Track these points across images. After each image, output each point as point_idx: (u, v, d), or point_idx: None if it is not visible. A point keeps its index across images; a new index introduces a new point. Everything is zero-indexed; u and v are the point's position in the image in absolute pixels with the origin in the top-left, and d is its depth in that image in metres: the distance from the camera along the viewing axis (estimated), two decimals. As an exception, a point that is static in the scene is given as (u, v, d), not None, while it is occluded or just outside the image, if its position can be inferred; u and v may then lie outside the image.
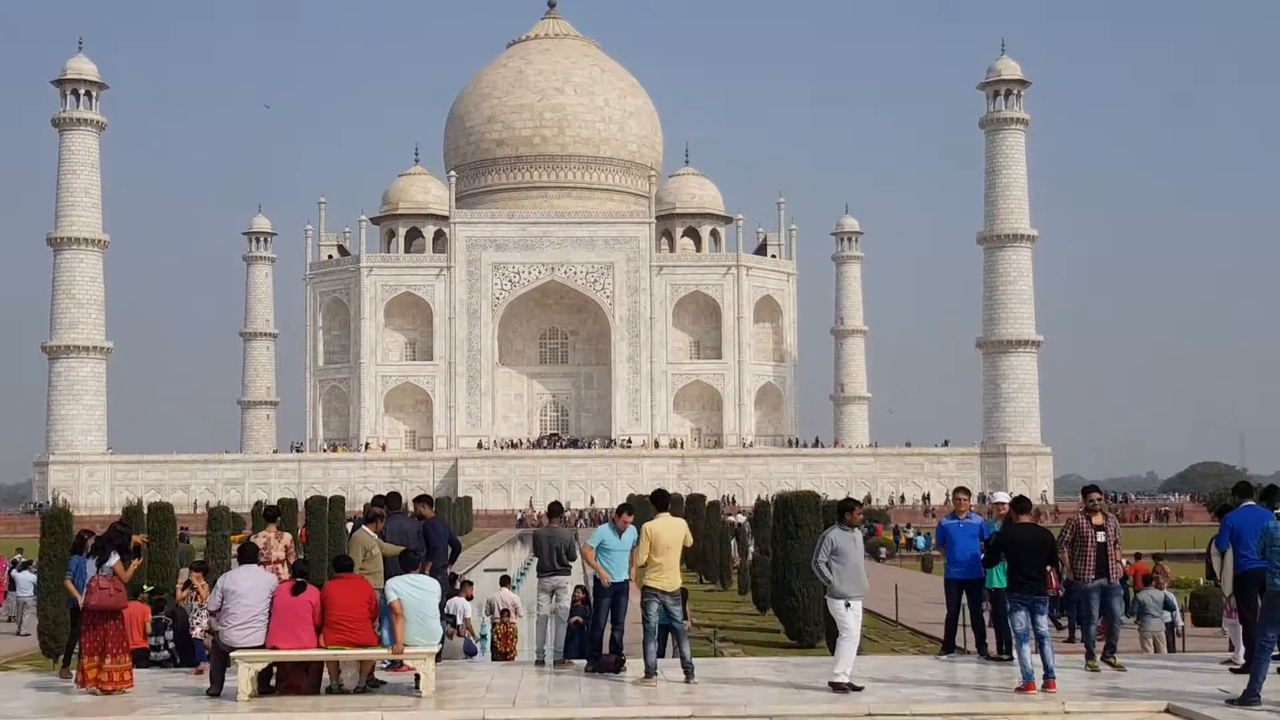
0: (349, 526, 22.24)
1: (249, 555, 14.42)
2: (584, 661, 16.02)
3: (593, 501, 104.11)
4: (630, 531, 15.36)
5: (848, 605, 14.29)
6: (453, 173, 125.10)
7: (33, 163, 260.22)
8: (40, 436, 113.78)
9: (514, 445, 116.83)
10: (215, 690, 13.86)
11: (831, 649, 24.65)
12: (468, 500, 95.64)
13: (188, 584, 18.26)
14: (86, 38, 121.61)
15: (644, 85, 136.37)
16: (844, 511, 14.89)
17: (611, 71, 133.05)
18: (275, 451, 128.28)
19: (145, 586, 20.93)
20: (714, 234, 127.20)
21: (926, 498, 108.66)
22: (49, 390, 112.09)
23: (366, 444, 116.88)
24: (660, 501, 15.31)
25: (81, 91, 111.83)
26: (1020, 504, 15.27)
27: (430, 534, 15.95)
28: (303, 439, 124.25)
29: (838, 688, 13.91)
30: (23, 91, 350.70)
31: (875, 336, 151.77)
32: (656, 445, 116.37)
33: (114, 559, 14.32)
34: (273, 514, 16.70)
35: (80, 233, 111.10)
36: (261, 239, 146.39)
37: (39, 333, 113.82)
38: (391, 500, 16.21)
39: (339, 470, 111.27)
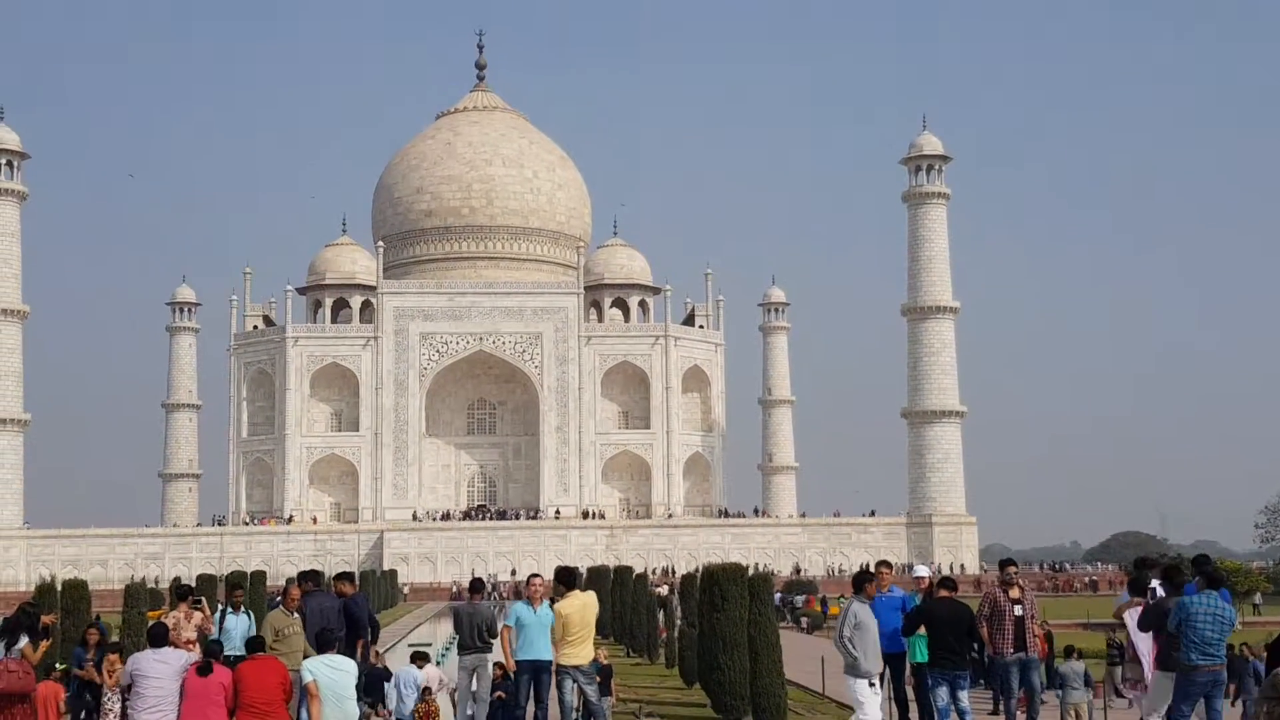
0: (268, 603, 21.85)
1: (159, 636, 14.13)
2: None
3: (514, 574, 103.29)
4: (545, 607, 15.28)
5: (872, 684, 13.76)
6: (380, 243, 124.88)
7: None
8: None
9: (445, 517, 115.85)
10: (125, 776, 13.54)
11: (757, 724, 24.58)
12: (393, 573, 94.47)
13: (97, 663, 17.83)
14: (8, 106, 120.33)
15: (572, 157, 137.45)
16: (864, 582, 14.39)
17: (539, 144, 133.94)
18: (198, 524, 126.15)
19: (58, 665, 20.43)
20: (642, 304, 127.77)
21: (840, 570, 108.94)
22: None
23: (290, 517, 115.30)
24: (567, 580, 15.26)
25: (2, 162, 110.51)
26: (946, 582, 15.39)
27: (353, 612, 15.75)
28: (225, 512, 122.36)
29: None
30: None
31: (802, 406, 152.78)
32: (586, 516, 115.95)
33: (23, 641, 13.99)
34: (184, 592, 16.42)
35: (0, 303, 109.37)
36: (185, 309, 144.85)
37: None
38: (312, 577, 15.98)
39: (262, 544, 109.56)
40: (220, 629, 14.83)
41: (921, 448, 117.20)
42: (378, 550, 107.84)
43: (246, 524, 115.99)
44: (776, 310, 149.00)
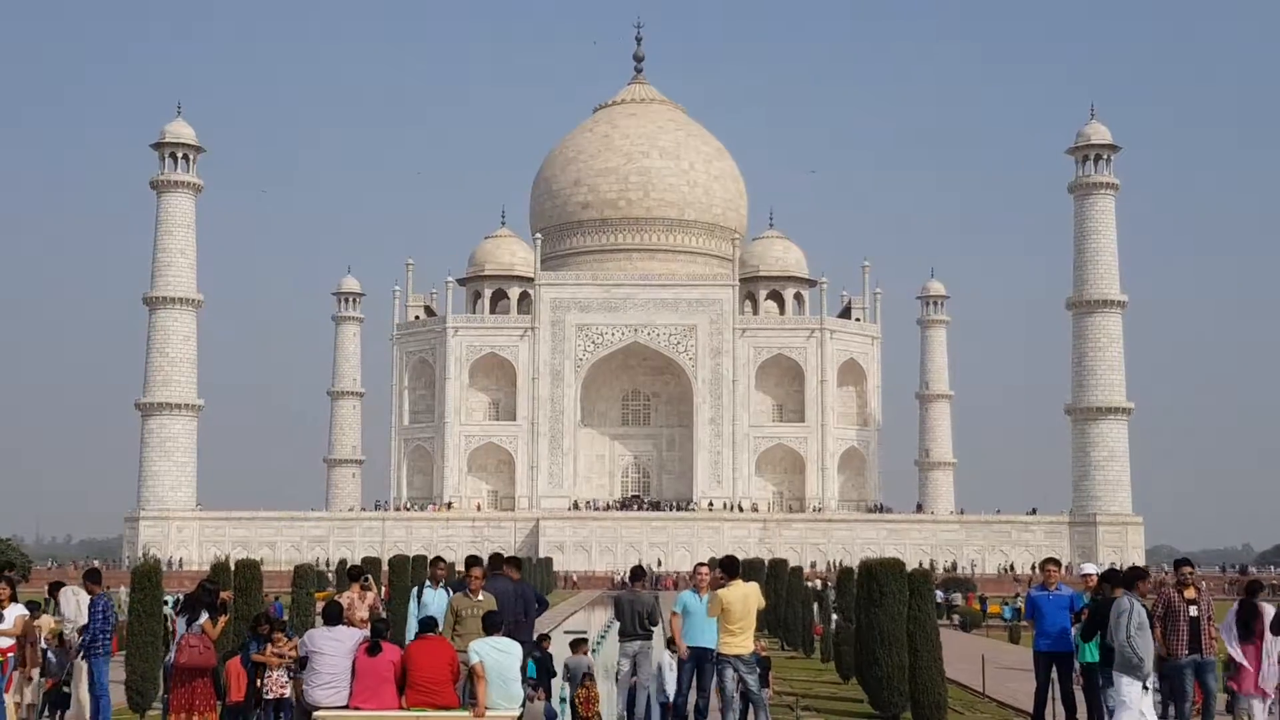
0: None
1: (333, 615, 14.50)
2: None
3: (659, 564, 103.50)
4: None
5: (1146, 689, 13.33)
6: (538, 235, 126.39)
7: (131, 224, 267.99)
8: (132, 492, 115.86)
9: (604, 507, 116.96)
10: (299, 749, 13.94)
11: (916, 720, 24.27)
12: (548, 561, 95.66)
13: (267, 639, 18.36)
14: (185, 102, 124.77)
15: (728, 148, 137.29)
16: (1136, 580, 13.88)
17: (697, 135, 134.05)
18: (361, 509, 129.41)
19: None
20: (798, 297, 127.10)
21: (1011, 567, 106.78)
22: (141, 446, 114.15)
23: (449, 503, 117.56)
24: (730, 568, 15.20)
25: (179, 155, 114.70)
26: (1112, 577, 14.97)
27: (528, 596, 16.01)
28: (387, 497, 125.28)
29: None
30: (123, 154, 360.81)
31: (961, 401, 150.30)
32: (740, 509, 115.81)
33: (203, 617, 14.49)
34: (356, 573, 16.74)
35: (175, 292, 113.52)
36: (350, 299, 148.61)
37: (133, 390, 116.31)
38: (493, 561, 16.17)
39: (422, 529, 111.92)
40: (419, 603, 14.95)
41: (1086, 445, 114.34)
42: (533, 538, 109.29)
43: (407, 509, 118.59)
44: (935, 303, 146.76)
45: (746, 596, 14.85)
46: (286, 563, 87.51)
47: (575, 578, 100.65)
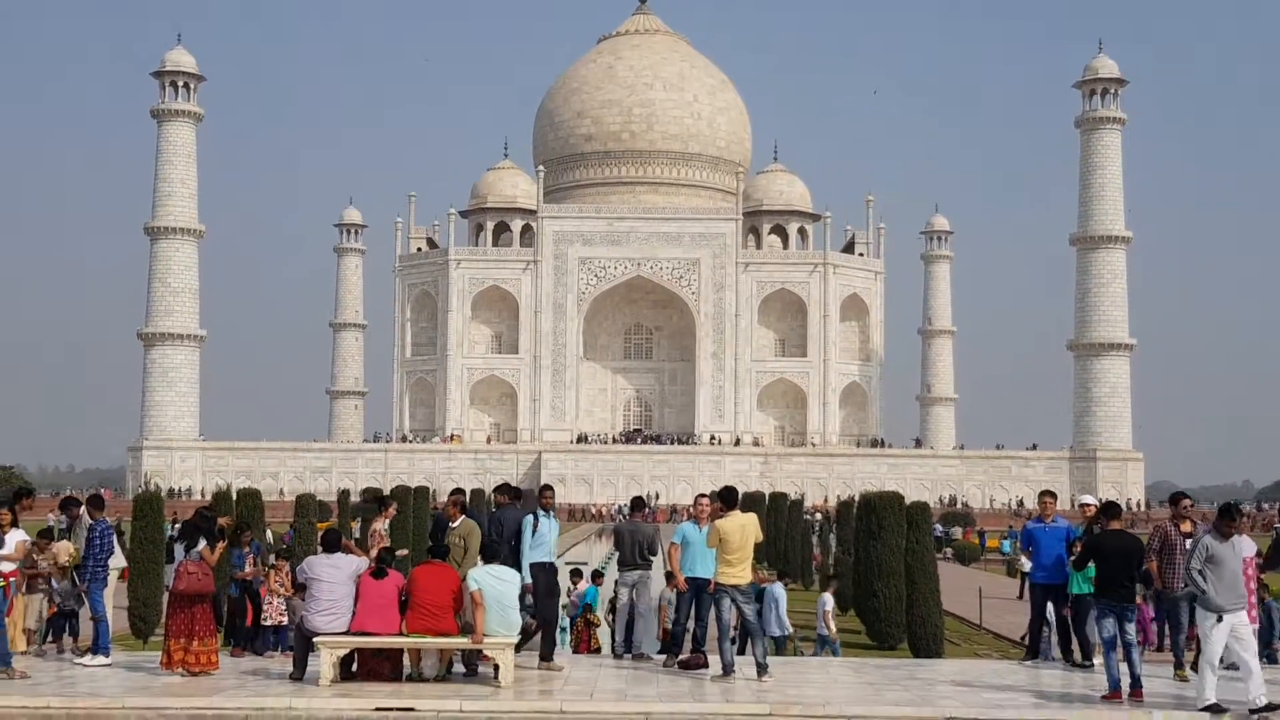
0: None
1: (332, 542, 14.57)
2: (663, 656, 16.03)
3: (656, 497, 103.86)
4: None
5: (1220, 619, 13.35)
6: (541, 167, 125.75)
7: (132, 153, 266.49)
8: (135, 422, 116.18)
9: (607, 441, 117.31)
10: (298, 674, 14.04)
11: (914, 651, 24.48)
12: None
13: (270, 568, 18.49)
14: (185, 30, 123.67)
15: (733, 81, 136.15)
16: (1222, 519, 13.88)
17: (701, 67, 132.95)
18: (364, 441, 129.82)
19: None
20: (801, 231, 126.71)
21: (1020, 503, 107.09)
22: (144, 377, 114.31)
23: (452, 435, 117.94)
24: (729, 499, 15.22)
25: (180, 83, 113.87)
26: (1110, 509, 14.98)
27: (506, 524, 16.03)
28: (389, 429, 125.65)
29: (1212, 709, 13.15)
30: (123, 83, 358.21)
31: (963, 337, 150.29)
32: (739, 442, 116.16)
33: (201, 544, 14.54)
34: (387, 501, 16.68)
35: (176, 222, 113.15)
36: (352, 231, 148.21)
37: (135, 320, 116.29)
38: (508, 490, 16.20)
39: (424, 461, 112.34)
40: (534, 532, 14.83)
41: (1088, 381, 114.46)
42: (535, 470, 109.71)
43: (408, 441, 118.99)
44: (939, 238, 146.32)
45: (744, 527, 14.89)
46: (290, 493, 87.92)
47: (572, 510, 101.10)
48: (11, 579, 15.58)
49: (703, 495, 16.21)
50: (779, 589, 22.55)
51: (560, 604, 21.40)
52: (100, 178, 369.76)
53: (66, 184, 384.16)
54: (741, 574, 14.85)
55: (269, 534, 35.96)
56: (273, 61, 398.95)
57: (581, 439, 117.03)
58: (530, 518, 15.13)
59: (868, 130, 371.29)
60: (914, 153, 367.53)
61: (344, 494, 49.53)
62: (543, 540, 15.10)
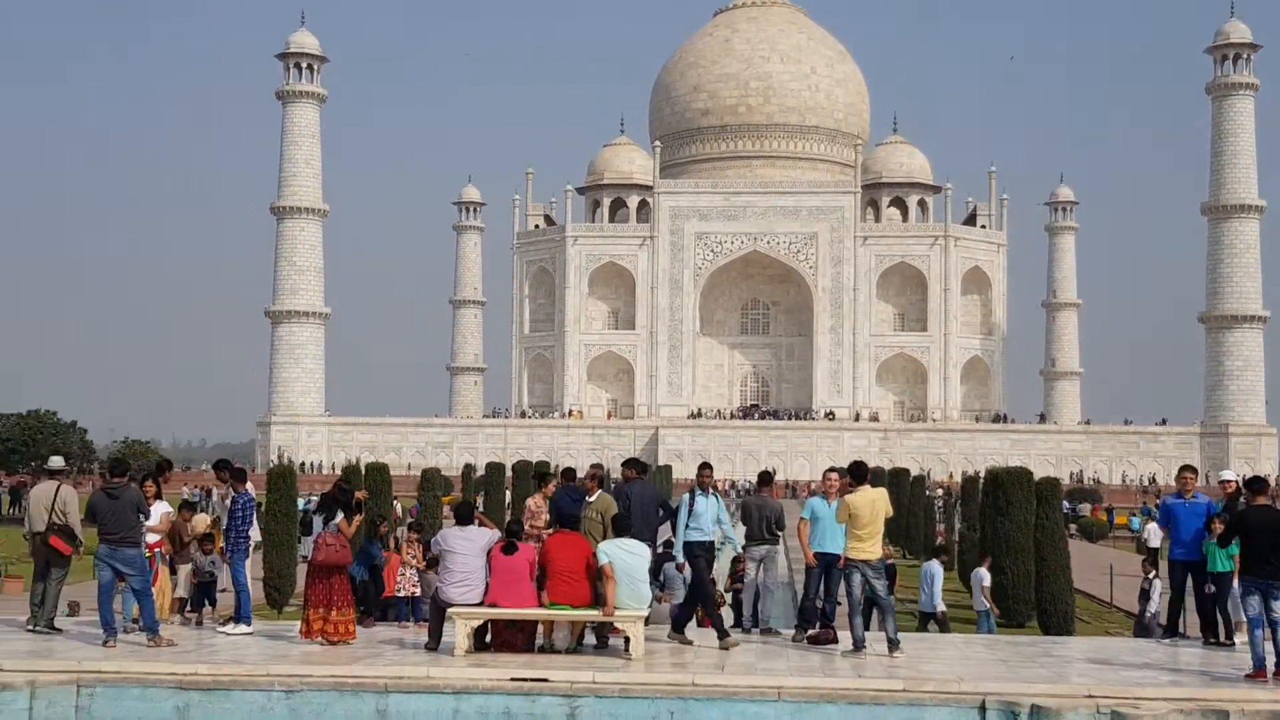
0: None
1: (465, 514, 14.76)
2: (792, 631, 16.00)
3: (774, 473, 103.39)
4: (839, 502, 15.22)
5: None
6: (657, 143, 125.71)
7: (258, 134, 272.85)
8: (263, 398, 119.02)
9: (723, 416, 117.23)
10: (433, 645, 14.28)
11: (1043, 629, 24.13)
12: (668, 469, 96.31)
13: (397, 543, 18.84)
14: (309, 12, 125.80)
15: (851, 52, 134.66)
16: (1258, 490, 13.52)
17: (818, 39, 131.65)
18: (483, 416, 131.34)
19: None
20: (921, 204, 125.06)
21: (1152, 479, 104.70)
22: (271, 354, 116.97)
23: (573, 411, 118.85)
24: (859, 474, 15.11)
25: (303, 65, 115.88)
26: (1256, 485, 14.57)
27: (665, 500, 16.14)
28: (508, 405, 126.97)
29: None
30: (249, 66, 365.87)
31: (1089, 310, 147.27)
32: (858, 418, 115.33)
33: (339, 516, 14.84)
34: (546, 477, 16.78)
35: (301, 202, 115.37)
36: (471, 209, 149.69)
37: (263, 298, 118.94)
38: (635, 465, 16.28)
39: (543, 436, 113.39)
40: (690, 511, 14.89)
41: (1220, 354, 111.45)
42: (653, 446, 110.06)
43: (526, 416, 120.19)
44: (1064, 209, 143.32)
45: (874, 502, 14.79)
46: (412, 467, 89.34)
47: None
48: (157, 549, 16.07)
49: (831, 470, 16.11)
50: (936, 566, 22.59)
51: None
52: (229, 159, 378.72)
53: (197, 166, 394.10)
54: (872, 549, 14.77)
55: (397, 506, 36.63)
56: (393, 41, 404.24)
57: (698, 414, 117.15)
58: (687, 495, 15.12)
59: (990, 101, 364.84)
60: (1037, 122, 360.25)
61: (468, 468, 50.34)
62: (700, 518, 15.04)
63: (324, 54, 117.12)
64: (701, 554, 15.09)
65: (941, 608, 22.63)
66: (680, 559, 15.00)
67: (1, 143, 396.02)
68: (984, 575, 22.82)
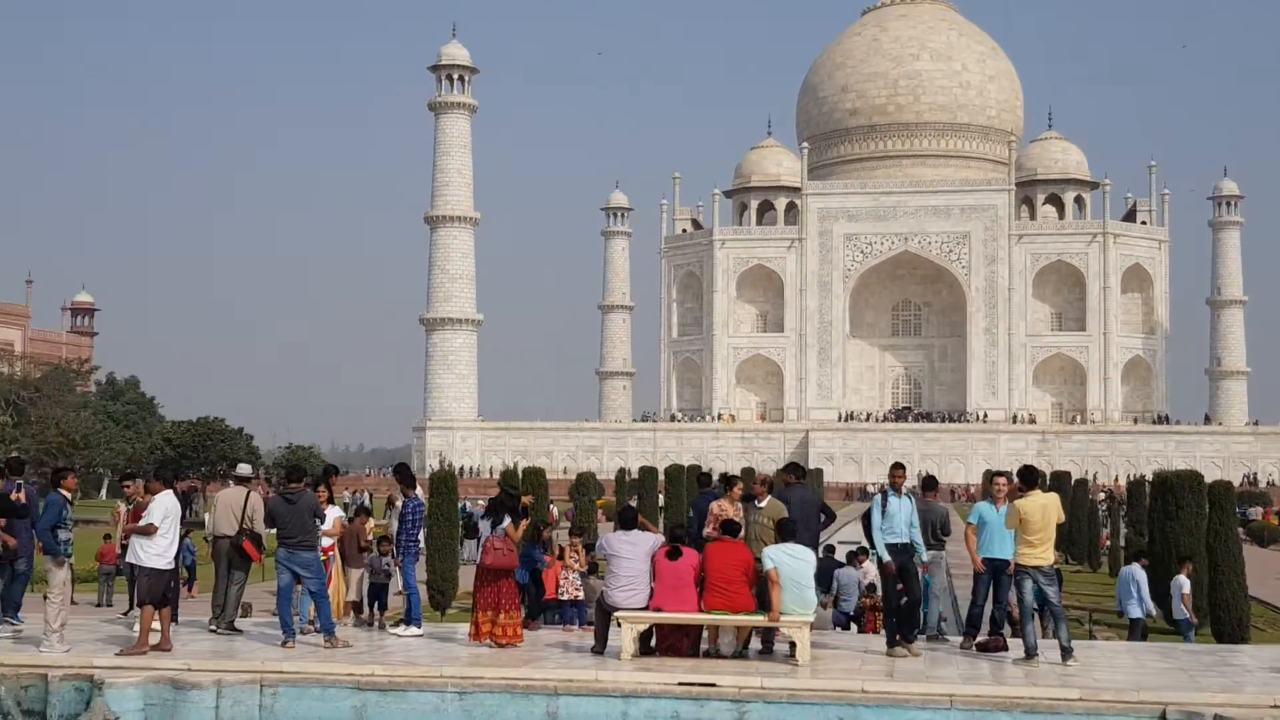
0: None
1: (629, 519, 14.84)
2: (958, 639, 15.75)
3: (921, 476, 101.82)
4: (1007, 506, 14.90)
5: None
6: (805, 144, 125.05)
7: (411, 145, 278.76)
8: (419, 403, 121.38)
9: (875, 419, 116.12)
10: (599, 648, 14.39)
11: (1216, 637, 23.34)
12: (819, 472, 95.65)
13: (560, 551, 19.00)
14: (460, 24, 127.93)
15: (1003, 47, 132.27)
16: None
17: (969, 35, 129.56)
18: (632, 420, 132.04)
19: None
20: (1078, 200, 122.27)
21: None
22: (426, 360, 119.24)
23: (723, 415, 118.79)
24: (1029, 478, 14.78)
25: (455, 76, 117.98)
26: None
27: (818, 504, 16.01)
28: (657, 409, 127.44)
29: None
30: (402, 78, 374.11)
31: (1255, 307, 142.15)
32: (1015, 420, 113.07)
33: (506, 521, 15.06)
34: (732, 480, 16.68)
35: (454, 211, 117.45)
36: (619, 214, 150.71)
37: (418, 305, 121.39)
38: (795, 470, 16.18)
39: (692, 440, 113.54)
40: (883, 512, 14.72)
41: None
42: (803, 449, 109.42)
43: (675, 420, 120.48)
44: (1228, 204, 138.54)
45: (1045, 507, 14.47)
46: (568, 471, 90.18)
47: (839, 489, 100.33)
48: (330, 553, 16.51)
49: (999, 474, 15.81)
50: (1139, 570, 22.11)
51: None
52: (385, 169, 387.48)
53: (355, 176, 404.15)
54: (1044, 555, 14.46)
55: (553, 509, 37.04)
56: (540, 49, 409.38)
57: (849, 417, 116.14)
58: (879, 497, 14.90)
59: (1148, 94, 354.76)
60: (1199, 114, 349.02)
61: (622, 472, 50.64)
62: (893, 520, 14.75)
63: (474, 65, 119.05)
64: (898, 556, 14.73)
65: (1151, 611, 22.09)
66: (885, 557, 14.66)
67: (175, 158, 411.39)
68: (1183, 583, 22.17)
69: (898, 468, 15.13)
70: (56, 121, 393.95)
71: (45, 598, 14.31)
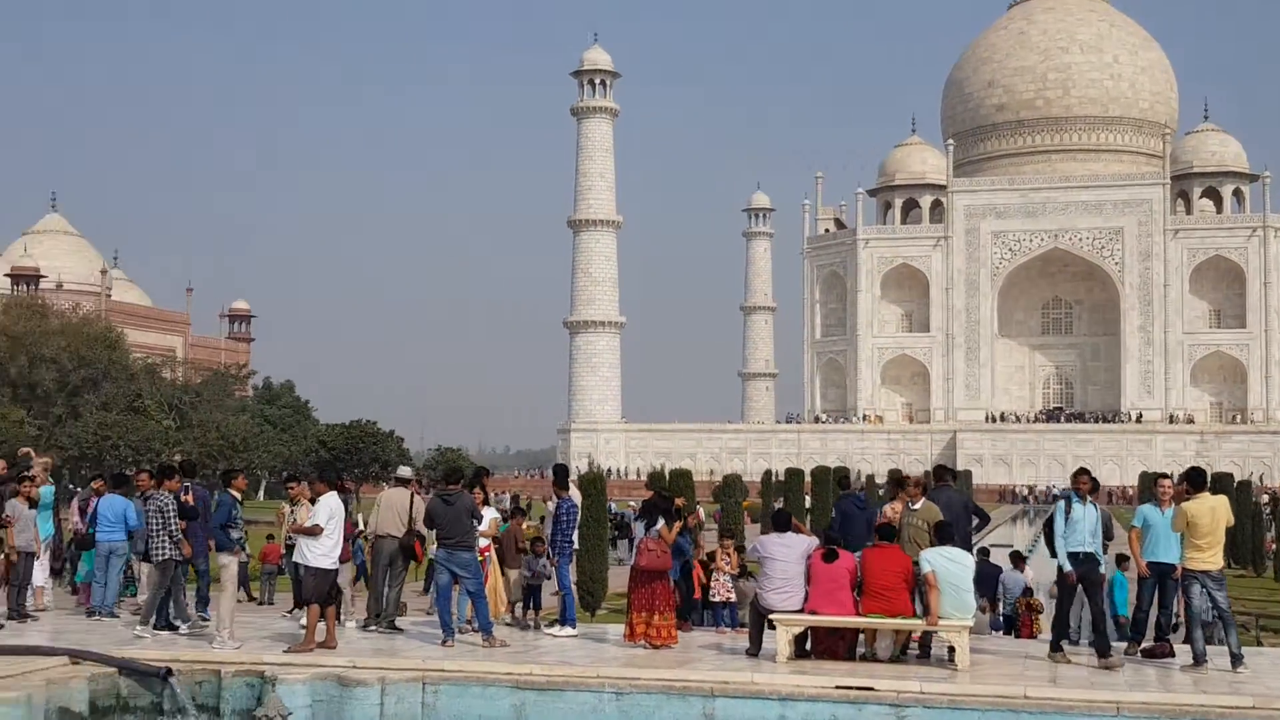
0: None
1: (783, 522, 14.80)
2: (1123, 644, 15.36)
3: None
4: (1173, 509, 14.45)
5: None
6: (950, 141, 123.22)
7: (554, 150, 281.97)
8: (563, 406, 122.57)
9: (1025, 420, 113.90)
10: (753, 650, 14.36)
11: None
12: (968, 474, 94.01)
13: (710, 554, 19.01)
14: (601, 29, 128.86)
15: (1156, 38, 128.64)
16: None
17: (1121, 26, 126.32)
18: (776, 421, 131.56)
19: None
20: (1237, 194, 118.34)
21: None
22: (570, 363, 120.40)
23: (864, 416, 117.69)
24: (1197, 481, 14.31)
25: (597, 81, 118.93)
26: None
27: (971, 507, 15.74)
28: (800, 410, 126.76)
29: None
30: (544, 84, 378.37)
31: None
32: (1171, 420, 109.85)
33: (660, 523, 15.12)
34: (902, 480, 16.35)
35: (596, 214, 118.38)
36: (760, 215, 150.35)
37: (561, 308, 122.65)
38: (937, 473, 15.97)
39: (837, 441, 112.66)
40: (1066, 518, 14.33)
41: None
42: (950, 451, 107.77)
43: (819, 421, 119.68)
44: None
45: (1214, 510, 14.02)
46: (714, 473, 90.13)
47: (990, 491, 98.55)
48: (487, 553, 16.76)
49: (1164, 476, 15.37)
50: (1017, 576, 20.98)
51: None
52: (527, 174, 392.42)
53: (497, 182, 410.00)
54: (1213, 559, 14.01)
55: (700, 511, 37.09)
56: (679, 51, 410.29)
57: (997, 418, 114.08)
58: (1062, 503, 14.50)
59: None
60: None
61: (767, 474, 50.61)
62: (1076, 528, 14.22)
63: (615, 69, 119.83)
64: (1078, 566, 14.21)
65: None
66: (1067, 567, 14.18)
67: (327, 167, 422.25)
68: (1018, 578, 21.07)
69: (1081, 473, 14.57)
70: (214, 137, 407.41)
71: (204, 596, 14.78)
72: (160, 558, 15.57)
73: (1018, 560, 22.19)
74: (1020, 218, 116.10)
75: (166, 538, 15.56)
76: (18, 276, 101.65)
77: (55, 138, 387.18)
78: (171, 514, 15.57)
